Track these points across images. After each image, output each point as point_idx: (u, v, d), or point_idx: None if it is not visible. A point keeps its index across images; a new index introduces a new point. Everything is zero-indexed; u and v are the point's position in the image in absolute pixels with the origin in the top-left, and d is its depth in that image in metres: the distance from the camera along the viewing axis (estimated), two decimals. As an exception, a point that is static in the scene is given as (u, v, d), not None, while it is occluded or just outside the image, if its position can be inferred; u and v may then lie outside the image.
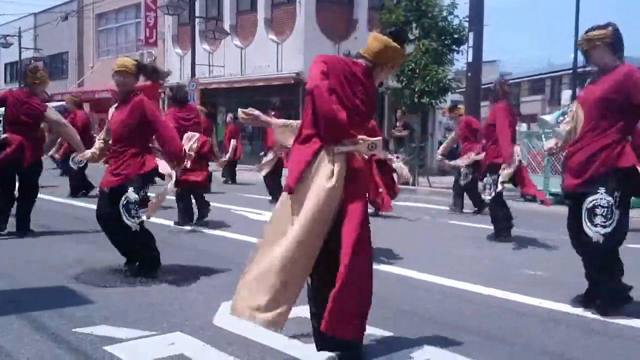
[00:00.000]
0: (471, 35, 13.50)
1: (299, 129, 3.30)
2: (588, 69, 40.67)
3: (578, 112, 4.38)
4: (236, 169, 15.89)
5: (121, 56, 28.40)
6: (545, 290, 4.88)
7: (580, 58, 24.57)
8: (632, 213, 10.52)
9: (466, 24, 14.49)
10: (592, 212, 4.09)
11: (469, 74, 13.69)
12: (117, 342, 3.55)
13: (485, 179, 7.33)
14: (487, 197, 7.30)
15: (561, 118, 12.21)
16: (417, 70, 14.90)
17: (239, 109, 3.81)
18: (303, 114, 3.27)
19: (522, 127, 15.69)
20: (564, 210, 4.70)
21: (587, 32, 4.24)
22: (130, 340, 3.59)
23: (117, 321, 3.92)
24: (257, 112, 3.72)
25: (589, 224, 4.10)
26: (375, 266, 5.62)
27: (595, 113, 4.19)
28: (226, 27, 22.31)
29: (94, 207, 5.57)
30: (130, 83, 5.14)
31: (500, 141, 6.87)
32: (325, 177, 3.08)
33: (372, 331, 3.77)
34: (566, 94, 22.83)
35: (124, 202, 4.91)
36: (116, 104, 5.24)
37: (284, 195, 3.21)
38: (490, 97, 7.80)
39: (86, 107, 30.57)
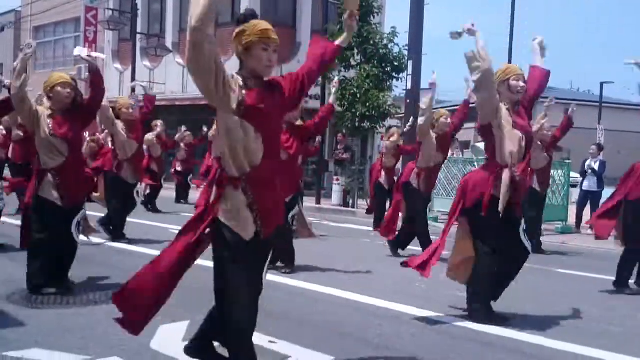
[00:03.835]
0: (410, 63, 13.84)
1: None
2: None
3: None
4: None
5: (57, 70, 27.87)
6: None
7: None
8: (564, 238, 10.94)
9: (406, 52, 14.86)
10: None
11: (408, 101, 13.99)
12: (48, 366, 3.45)
13: None
14: None
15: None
16: (359, 95, 15.15)
17: None
18: None
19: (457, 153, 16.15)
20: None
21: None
22: (63, 364, 3.50)
23: (49, 345, 3.80)
24: None
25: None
26: (313, 288, 5.72)
27: None
28: (168, 44, 22.12)
29: (19, 222, 5.48)
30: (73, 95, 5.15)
31: None
32: None
33: (313, 355, 3.80)
34: (499, 123, 23.60)
35: (80, 219, 5.23)
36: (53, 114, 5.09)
37: None
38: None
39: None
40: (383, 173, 10.63)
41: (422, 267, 4.88)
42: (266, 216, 3.04)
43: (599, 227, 6.46)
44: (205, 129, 14.22)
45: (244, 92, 2.99)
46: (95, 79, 5.31)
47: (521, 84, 4.70)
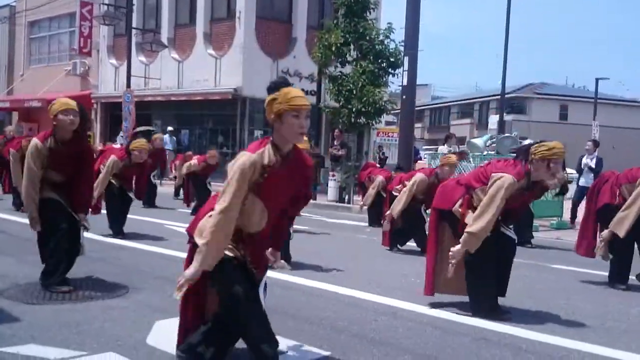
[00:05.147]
0: (406, 59, 13.83)
1: None
2: (514, 95, 42.00)
3: None
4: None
5: (52, 65, 27.74)
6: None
7: (508, 84, 25.49)
8: (559, 234, 11.01)
9: (402, 48, 14.85)
10: None
11: (404, 97, 13.98)
12: (44, 362, 3.44)
13: None
14: None
15: (489, 142, 12.86)
16: (355, 91, 15.13)
17: None
18: None
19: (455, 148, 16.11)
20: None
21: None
22: (59, 360, 3.49)
23: (44, 340, 3.79)
24: None
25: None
26: (309, 283, 5.73)
27: None
28: (164, 39, 22.04)
29: (15, 219, 5.46)
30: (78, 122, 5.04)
31: None
32: None
33: (309, 350, 3.81)
34: (493, 119, 23.62)
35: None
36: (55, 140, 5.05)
37: None
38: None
39: (15, 115, 29.56)
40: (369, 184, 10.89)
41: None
42: (254, 266, 3.22)
43: (583, 250, 6.67)
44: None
45: (265, 175, 3.06)
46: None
47: (559, 167, 4.72)
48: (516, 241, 5.06)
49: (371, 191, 10.34)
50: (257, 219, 3.16)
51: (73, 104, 4.99)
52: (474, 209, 4.78)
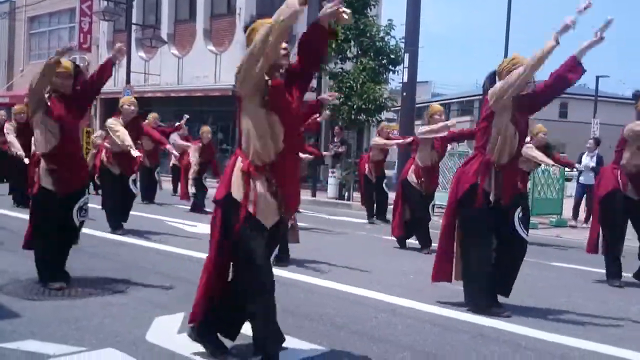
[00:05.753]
0: (407, 56, 13.80)
1: None
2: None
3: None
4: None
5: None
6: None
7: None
8: (558, 231, 11.01)
9: (402, 45, 14.84)
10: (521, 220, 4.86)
11: (404, 93, 13.97)
12: (45, 358, 3.42)
13: None
14: None
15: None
16: (355, 88, 15.13)
17: None
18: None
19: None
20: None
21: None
22: (59, 356, 3.47)
23: (44, 336, 3.78)
24: None
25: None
26: (309, 280, 5.73)
27: None
28: (164, 35, 22.02)
29: (15, 215, 5.43)
30: (71, 85, 5.02)
31: None
32: None
33: (309, 346, 3.81)
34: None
35: (82, 205, 5.12)
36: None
37: None
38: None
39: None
40: (370, 166, 10.89)
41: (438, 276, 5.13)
42: (289, 202, 3.32)
43: (592, 248, 6.64)
44: (185, 117, 13.20)
45: (269, 82, 3.27)
46: (107, 68, 5.18)
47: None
48: (527, 243, 4.99)
49: (381, 142, 10.66)
50: (275, 137, 3.24)
51: (69, 66, 4.97)
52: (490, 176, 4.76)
